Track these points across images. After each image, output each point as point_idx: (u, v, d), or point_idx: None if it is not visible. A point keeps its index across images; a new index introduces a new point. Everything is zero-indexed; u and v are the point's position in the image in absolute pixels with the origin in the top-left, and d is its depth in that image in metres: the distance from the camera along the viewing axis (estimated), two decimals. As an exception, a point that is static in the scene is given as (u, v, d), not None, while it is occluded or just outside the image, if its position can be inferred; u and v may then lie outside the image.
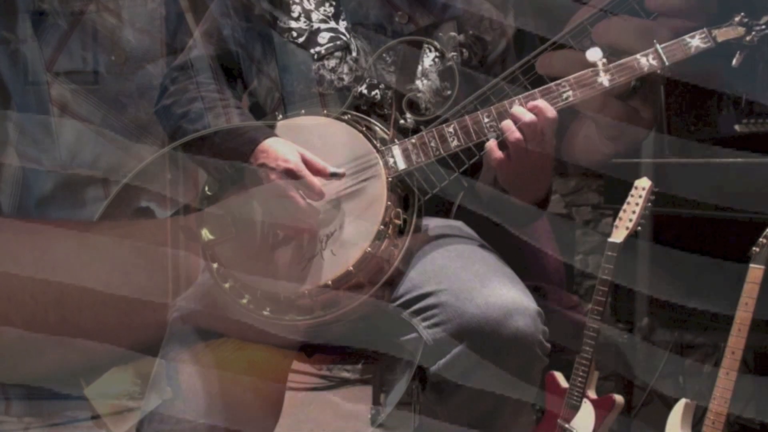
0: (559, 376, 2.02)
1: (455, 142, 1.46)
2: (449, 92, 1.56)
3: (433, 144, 1.46)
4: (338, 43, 1.57)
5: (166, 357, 1.50)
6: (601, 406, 1.92)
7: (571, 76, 1.43)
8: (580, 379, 1.92)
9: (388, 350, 1.49)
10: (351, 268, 1.40)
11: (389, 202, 1.44)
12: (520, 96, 1.44)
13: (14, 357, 2.59)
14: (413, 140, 1.47)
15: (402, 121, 1.51)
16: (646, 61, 1.42)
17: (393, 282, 1.45)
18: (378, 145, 1.48)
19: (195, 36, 1.65)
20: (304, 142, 1.47)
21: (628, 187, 1.92)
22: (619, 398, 1.94)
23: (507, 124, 1.40)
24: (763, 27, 1.42)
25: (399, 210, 1.46)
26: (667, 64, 1.41)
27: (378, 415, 2.76)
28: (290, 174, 1.43)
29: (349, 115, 1.52)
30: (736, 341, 1.72)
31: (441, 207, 1.56)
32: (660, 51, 1.41)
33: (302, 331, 1.48)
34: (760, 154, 2.07)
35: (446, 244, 1.50)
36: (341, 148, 1.49)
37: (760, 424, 2.29)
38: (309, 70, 1.57)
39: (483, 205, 1.57)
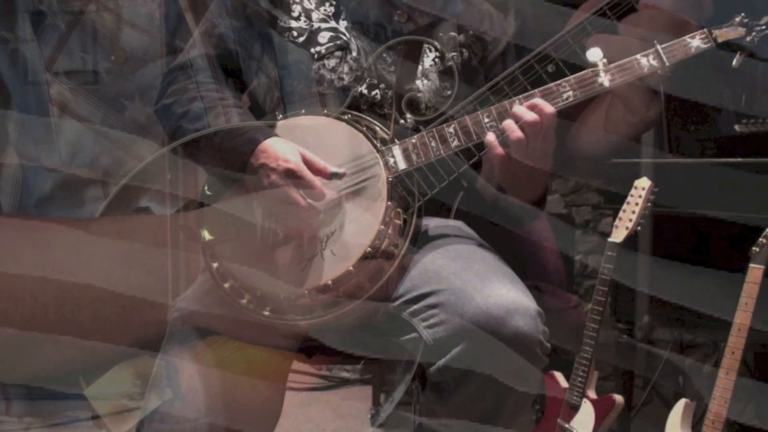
0: (559, 376, 2.02)
1: (455, 142, 1.45)
2: (449, 92, 1.56)
3: (433, 144, 1.46)
4: (338, 42, 1.57)
5: (166, 357, 1.50)
6: (601, 406, 1.92)
7: (571, 77, 1.43)
8: (580, 379, 1.92)
9: (388, 350, 1.49)
10: (351, 268, 1.40)
11: (389, 202, 1.44)
12: (520, 96, 1.44)
13: (14, 355, 2.59)
14: (413, 140, 1.47)
15: (402, 121, 1.51)
16: (646, 61, 1.42)
17: (393, 282, 1.45)
18: (378, 145, 1.48)
19: (195, 35, 1.65)
20: (305, 142, 1.47)
21: (628, 187, 1.92)
22: (619, 398, 1.94)
23: (508, 123, 1.40)
24: (764, 27, 1.42)
25: (399, 210, 1.46)
26: (667, 64, 1.41)
27: (378, 415, 2.76)
28: (291, 174, 1.42)
29: (349, 115, 1.52)
30: (736, 341, 1.72)
31: (441, 207, 1.56)
32: (660, 51, 1.41)
33: (302, 331, 1.48)
34: (760, 154, 2.07)
35: (446, 244, 1.50)
36: (341, 148, 1.48)
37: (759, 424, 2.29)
38: (309, 69, 1.57)
39: (482, 205, 1.57)
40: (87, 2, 2.77)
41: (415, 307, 1.41)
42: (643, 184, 1.90)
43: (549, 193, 3.29)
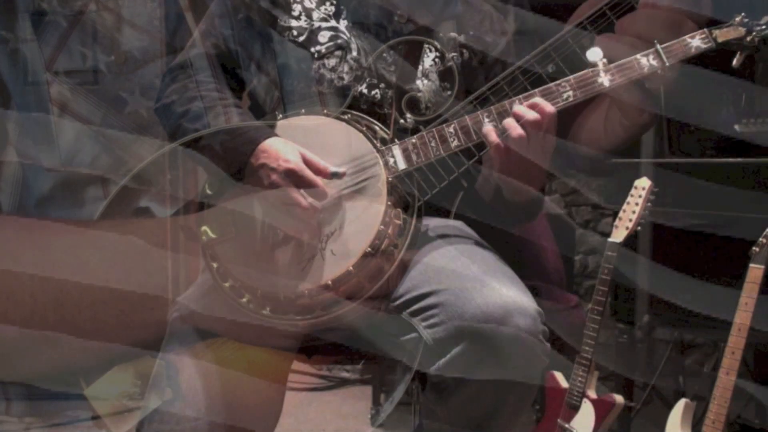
0: (559, 376, 2.02)
1: (455, 142, 1.46)
2: (449, 92, 1.56)
3: (433, 144, 1.46)
4: (339, 42, 1.57)
5: (166, 357, 1.50)
6: (601, 406, 1.92)
7: (571, 76, 1.43)
8: (580, 379, 1.92)
9: (388, 350, 1.49)
10: (351, 268, 1.40)
11: (389, 202, 1.44)
12: (520, 96, 1.44)
13: (13, 356, 2.59)
14: (413, 140, 1.47)
15: (402, 121, 1.51)
16: (646, 61, 1.42)
17: (393, 282, 1.45)
18: (378, 145, 1.48)
19: (195, 35, 1.65)
20: (305, 142, 1.47)
21: (628, 187, 1.92)
22: (619, 398, 1.94)
23: (509, 121, 1.40)
24: (764, 27, 1.42)
25: (399, 210, 1.46)
26: (667, 64, 1.41)
27: (378, 415, 2.76)
28: (291, 174, 1.42)
29: (349, 115, 1.52)
30: (736, 341, 1.72)
31: (441, 207, 1.56)
32: (660, 51, 1.41)
33: (302, 331, 1.48)
34: (760, 154, 2.07)
35: (446, 244, 1.50)
36: (341, 148, 1.48)
37: (759, 424, 2.29)
38: (309, 69, 1.57)
39: (482, 205, 1.57)
40: (87, 2, 2.77)
41: (415, 307, 1.41)
42: (643, 184, 1.90)
43: (549, 193, 3.29)
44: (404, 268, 1.46)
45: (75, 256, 2.59)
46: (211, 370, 1.47)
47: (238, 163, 1.47)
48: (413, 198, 1.47)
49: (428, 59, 1.58)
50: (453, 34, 1.60)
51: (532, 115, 1.39)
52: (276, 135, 1.49)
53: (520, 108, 1.41)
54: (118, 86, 2.79)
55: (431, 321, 1.38)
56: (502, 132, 1.41)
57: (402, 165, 1.47)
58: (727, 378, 1.72)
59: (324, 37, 1.57)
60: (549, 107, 1.40)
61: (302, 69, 1.57)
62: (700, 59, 1.44)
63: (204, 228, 1.51)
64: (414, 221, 1.46)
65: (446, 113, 1.49)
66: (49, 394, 2.72)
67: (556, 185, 3.36)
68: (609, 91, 1.43)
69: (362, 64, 1.56)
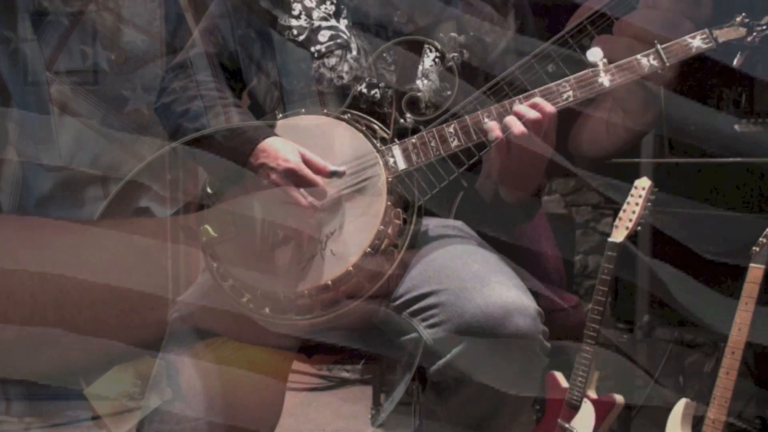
0: (559, 376, 2.02)
1: (455, 142, 1.46)
2: (449, 92, 1.56)
3: (433, 144, 1.46)
4: (339, 41, 1.57)
5: (166, 357, 1.50)
6: (601, 406, 1.92)
7: (571, 77, 1.43)
8: (580, 379, 1.92)
9: (388, 350, 1.49)
10: (351, 268, 1.40)
11: (389, 202, 1.44)
12: (520, 96, 1.44)
13: (13, 356, 2.59)
14: (413, 140, 1.47)
15: (402, 121, 1.51)
16: (646, 61, 1.42)
17: (393, 282, 1.45)
18: (378, 144, 1.48)
19: (195, 34, 1.65)
20: (304, 142, 1.47)
21: (628, 187, 1.92)
22: (619, 398, 1.94)
23: (510, 119, 1.40)
24: (764, 27, 1.42)
25: (399, 210, 1.46)
26: (667, 64, 1.41)
27: (378, 415, 2.76)
28: (291, 173, 1.42)
29: (349, 115, 1.52)
30: (736, 341, 1.72)
31: (441, 207, 1.56)
32: (661, 51, 1.41)
33: (302, 330, 1.48)
34: (760, 154, 2.07)
35: (446, 244, 1.50)
36: (341, 147, 1.48)
37: (760, 424, 2.29)
38: (309, 68, 1.57)
39: (482, 205, 1.57)
40: (87, 2, 2.77)
41: (415, 307, 1.41)
42: (643, 184, 1.90)
43: (549, 193, 3.29)
44: (404, 268, 1.46)
45: (75, 256, 2.59)
46: (211, 370, 1.47)
47: (238, 162, 1.47)
48: (413, 198, 1.47)
49: (428, 59, 1.58)
50: (453, 34, 1.60)
51: (532, 114, 1.39)
52: (275, 134, 1.49)
53: (521, 108, 1.41)
54: (118, 86, 2.79)
55: (431, 321, 1.38)
56: (504, 130, 1.41)
57: (402, 165, 1.47)
58: (727, 378, 1.72)
59: (324, 36, 1.57)
60: (549, 107, 1.40)
61: (302, 68, 1.57)
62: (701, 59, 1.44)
63: (204, 227, 1.51)
64: (414, 221, 1.45)
65: (446, 113, 1.49)
66: (49, 394, 2.72)
67: (556, 185, 3.36)
68: (613, 92, 1.43)
69: (362, 64, 1.56)
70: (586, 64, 1.44)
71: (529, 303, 1.37)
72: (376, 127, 1.51)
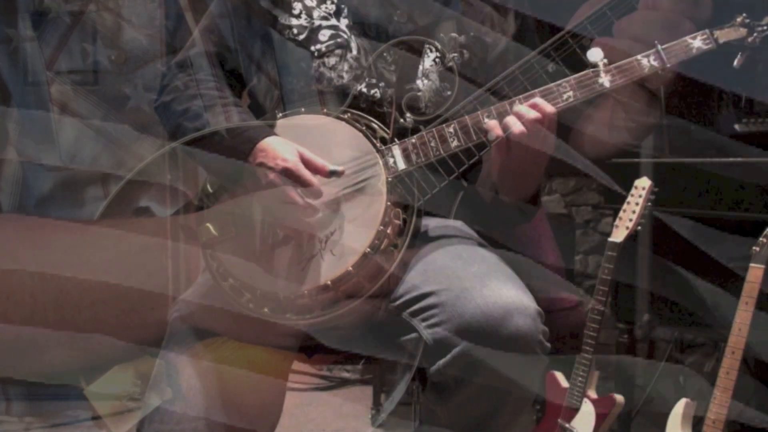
0: (559, 376, 2.02)
1: (455, 142, 1.45)
2: (449, 92, 1.56)
3: (433, 144, 1.46)
4: (339, 40, 1.57)
5: (166, 357, 1.50)
6: (601, 406, 1.92)
7: (571, 77, 1.43)
8: (580, 379, 1.92)
9: (387, 350, 1.49)
10: (350, 268, 1.40)
11: (389, 203, 1.44)
12: (520, 96, 1.44)
13: (13, 356, 2.59)
14: (413, 140, 1.47)
15: (402, 121, 1.51)
16: (647, 61, 1.42)
17: (393, 282, 1.45)
18: (378, 144, 1.48)
19: (195, 34, 1.65)
20: (304, 141, 1.47)
21: (628, 186, 1.92)
22: (619, 398, 1.94)
23: (511, 119, 1.40)
24: (765, 28, 1.42)
25: (399, 210, 1.46)
26: (668, 65, 1.41)
27: (378, 416, 2.76)
28: (288, 173, 1.42)
29: (349, 114, 1.52)
30: (736, 341, 1.72)
31: (441, 207, 1.56)
32: (661, 52, 1.41)
33: (302, 331, 1.48)
34: (760, 154, 2.07)
35: (446, 244, 1.50)
36: (341, 147, 1.48)
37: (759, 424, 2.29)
38: (309, 67, 1.57)
39: (482, 205, 1.57)
40: (87, 2, 2.77)
41: (415, 307, 1.41)
42: (643, 183, 1.90)
43: (549, 193, 3.29)
44: (404, 268, 1.46)
45: (75, 256, 2.59)
46: (211, 370, 1.47)
47: (237, 162, 1.47)
48: (413, 198, 1.47)
49: (428, 59, 1.58)
50: (453, 34, 1.60)
51: (532, 115, 1.39)
52: (275, 134, 1.49)
53: (521, 108, 1.41)
54: (118, 86, 2.80)
55: (431, 321, 1.38)
56: (504, 130, 1.41)
57: (402, 165, 1.47)
58: (727, 378, 1.72)
59: (324, 35, 1.57)
60: (549, 107, 1.40)
61: (302, 68, 1.57)
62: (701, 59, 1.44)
63: (204, 227, 1.51)
64: (414, 221, 1.45)
65: (446, 113, 1.49)
66: (49, 394, 2.72)
67: (556, 185, 3.36)
68: (616, 93, 1.43)
69: (362, 63, 1.56)
70: (586, 65, 1.44)
71: (529, 303, 1.37)
72: (375, 126, 1.51)
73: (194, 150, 1.54)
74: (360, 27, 1.58)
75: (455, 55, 1.59)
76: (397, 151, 1.47)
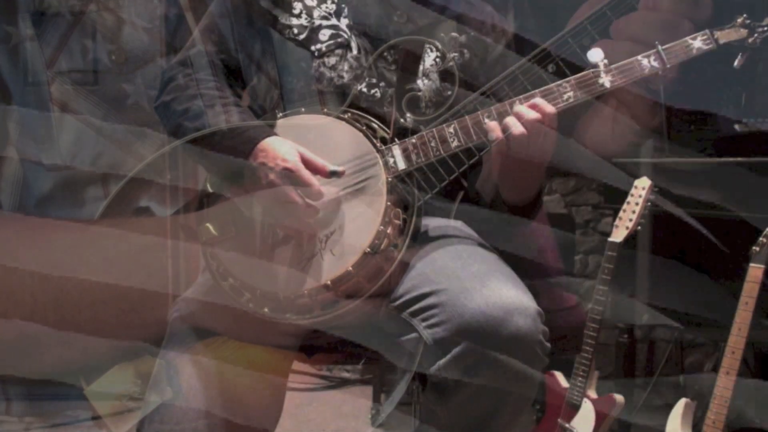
0: (559, 376, 2.02)
1: (455, 142, 1.45)
2: (449, 92, 1.56)
3: (433, 144, 1.46)
4: (339, 40, 1.57)
5: (166, 357, 1.50)
6: (601, 406, 1.92)
7: (572, 77, 1.43)
8: (580, 379, 1.92)
9: (387, 350, 1.49)
10: (350, 268, 1.40)
11: (389, 203, 1.44)
12: (521, 96, 1.44)
13: (13, 356, 2.59)
14: (413, 140, 1.47)
15: (402, 121, 1.51)
16: (647, 62, 1.42)
17: (393, 282, 1.45)
18: (378, 144, 1.48)
19: (195, 33, 1.65)
20: (304, 141, 1.47)
21: (628, 186, 1.92)
22: (619, 398, 1.94)
23: (511, 119, 1.40)
24: (765, 28, 1.42)
25: (399, 210, 1.46)
26: (668, 65, 1.41)
27: (378, 415, 2.76)
28: (288, 173, 1.42)
29: (349, 114, 1.52)
30: (736, 341, 1.72)
31: (441, 207, 1.56)
32: (661, 52, 1.41)
33: (302, 330, 1.48)
34: (760, 154, 2.07)
35: (446, 244, 1.50)
36: (341, 147, 1.48)
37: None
38: (309, 67, 1.57)
39: (482, 205, 1.57)
40: (88, 1, 2.77)
41: (415, 307, 1.41)
42: (643, 183, 1.90)
43: (549, 193, 3.29)
44: (404, 267, 1.46)
45: (75, 256, 2.59)
46: (211, 370, 1.47)
47: (237, 162, 1.47)
48: (413, 198, 1.47)
49: (429, 59, 1.58)
50: (454, 34, 1.60)
51: (532, 115, 1.39)
52: (275, 134, 1.49)
53: (521, 108, 1.41)
54: (118, 86, 2.80)
55: (431, 321, 1.38)
56: (504, 130, 1.41)
57: (402, 165, 1.47)
58: (727, 378, 1.72)
59: (324, 35, 1.57)
60: (549, 108, 1.40)
61: (302, 67, 1.57)
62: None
63: (204, 227, 1.51)
64: (414, 221, 1.45)
65: (446, 113, 1.49)
66: (49, 394, 2.72)
67: (556, 185, 3.36)
68: (618, 94, 1.44)
69: (362, 63, 1.56)
70: (586, 65, 1.44)
71: (529, 303, 1.37)
72: (376, 126, 1.51)
73: (194, 150, 1.54)
74: (360, 27, 1.58)
75: (455, 54, 1.59)
76: (397, 151, 1.47)
